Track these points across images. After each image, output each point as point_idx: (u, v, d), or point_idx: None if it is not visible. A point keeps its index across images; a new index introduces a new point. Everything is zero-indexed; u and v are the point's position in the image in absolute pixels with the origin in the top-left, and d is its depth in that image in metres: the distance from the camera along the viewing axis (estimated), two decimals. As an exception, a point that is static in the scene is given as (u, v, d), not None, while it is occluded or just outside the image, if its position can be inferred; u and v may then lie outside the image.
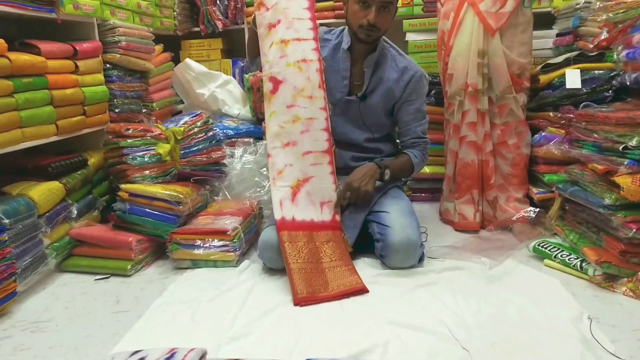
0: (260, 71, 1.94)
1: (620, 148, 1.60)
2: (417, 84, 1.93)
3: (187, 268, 1.87)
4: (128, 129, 2.09)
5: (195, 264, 1.86)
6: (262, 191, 2.33)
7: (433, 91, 2.53)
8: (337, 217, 1.82)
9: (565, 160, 1.99)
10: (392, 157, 2.00)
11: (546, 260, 1.78)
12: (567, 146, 1.92)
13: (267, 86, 1.85)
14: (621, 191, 1.54)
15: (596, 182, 1.70)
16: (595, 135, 1.75)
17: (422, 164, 2.01)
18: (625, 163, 1.57)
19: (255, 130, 2.78)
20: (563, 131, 2.06)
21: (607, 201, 1.59)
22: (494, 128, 2.17)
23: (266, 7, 1.87)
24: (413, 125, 1.98)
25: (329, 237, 1.77)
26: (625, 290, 1.54)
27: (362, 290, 1.59)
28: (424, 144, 2.02)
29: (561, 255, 1.74)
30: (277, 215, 1.77)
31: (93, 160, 2.15)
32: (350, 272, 1.67)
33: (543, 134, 2.16)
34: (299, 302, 1.54)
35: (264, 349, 1.30)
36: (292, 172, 1.82)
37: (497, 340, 1.29)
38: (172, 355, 1.15)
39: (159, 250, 1.98)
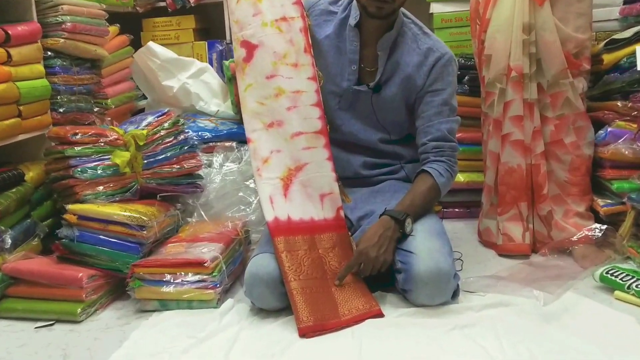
0: None
1: None
2: (443, 70, 1.94)
3: (153, 310, 1.87)
4: (76, 134, 2.10)
5: (164, 304, 1.86)
6: (248, 209, 2.34)
7: (466, 77, 2.55)
8: (342, 213, 1.84)
9: (639, 162, 2.00)
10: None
11: (617, 292, 1.78)
12: (640, 144, 1.94)
13: (239, 53, 1.88)
14: None
15: (679, 188, 1.71)
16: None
17: (449, 181, 1.94)
18: None
19: (239, 131, 2.78)
20: (635, 125, 2.06)
21: (693, 214, 1.60)
22: (546, 123, 2.19)
23: None
24: (437, 122, 1.92)
25: (334, 241, 1.81)
26: None
27: (378, 315, 1.66)
28: (451, 150, 1.94)
29: (637, 286, 1.74)
30: (269, 216, 1.80)
31: (32, 174, 2.17)
32: (361, 292, 1.73)
33: (609, 129, 2.17)
34: (305, 332, 1.57)
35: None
36: (280, 160, 1.85)
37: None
38: None
39: (117, 289, 1.99)
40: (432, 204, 1.99)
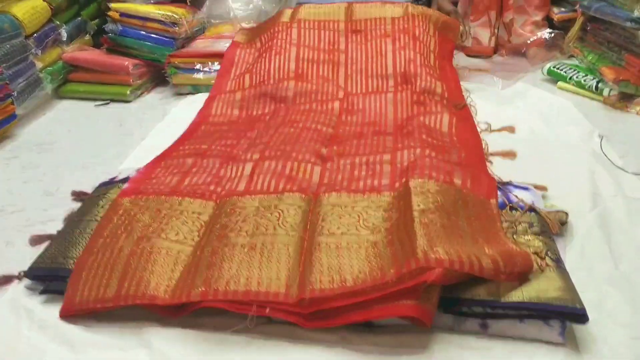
0: None
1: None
2: None
3: (188, 94, 1.80)
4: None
5: (196, 88, 1.79)
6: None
7: None
8: None
9: (595, -26, 1.81)
10: None
11: (560, 83, 1.71)
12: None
13: None
14: (654, 2, 1.42)
15: (626, -5, 1.56)
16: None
17: None
18: (664, -31, 1.42)
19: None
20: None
21: (636, 14, 1.48)
22: (518, -63, 1.94)
23: None
24: None
25: None
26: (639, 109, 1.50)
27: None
28: None
29: (576, 77, 1.67)
30: None
31: (77, -23, 1.97)
32: None
33: (573, -58, 1.93)
34: None
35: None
36: None
37: (505, 155, 1.28)
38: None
39: (158, 76, 1.90)
40: None
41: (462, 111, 1.42)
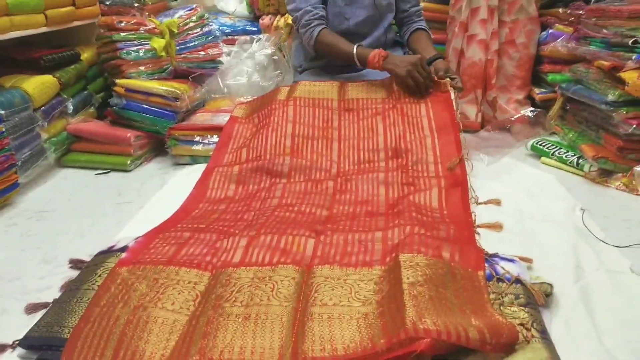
0: None
1: (630, 42, 1.56)
2: None
3: (186, 164, 1.87)
4: (121, 22, 2.01)
5: (195, 159, 1.86)
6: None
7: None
8: None
9: (571, 59, 1.94)
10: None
11: (543, 158, 1.79)
12: (574, 43, 1.87)
13: None
14: (626, 86, 1.52)
15: (601, 79, 1.68)
16: (605, 31, 1.70)
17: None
18: (634, 57, 1.54)
19: (252, 27, 2.67)
20: (571, 28, 1.98)
21: (610, 97, 1.58)
22: (502, 26, 2.09)
23: None
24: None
25: None
26: (619, 185, 1.57)
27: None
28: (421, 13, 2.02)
29: (558, 153, 1.75)
30: None
31: (86, 55, 2.09)
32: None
33: (550, 31, 2.08)
34: None
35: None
36: None
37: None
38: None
39: (158, 147, 1.97)
40: None
41: (454, 175, 1.46)
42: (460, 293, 0.92)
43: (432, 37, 2.01)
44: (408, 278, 0.91)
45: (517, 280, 1.00)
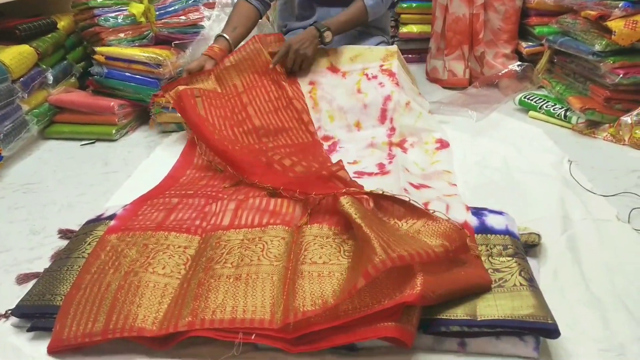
0: None
1: (617, -10, 1.54)
2: None
3: (172, 131, 1.84)
4: (97, -13, 1.94)
5: (180, 127, 1.83)
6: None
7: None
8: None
9: (558, 10, 1.92)
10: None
11: (531, 112, 1.79)
12: (561, -6, 1.84)
13: None
14: (613, 36, 1.51)
15: (588, 30, 1.66)
16: (592, -20, 1.68)
17: (379, 6, 1.75)
18: (620, 5, 1.52)
19: (234, -10, 2.60)
20: (558, -21, 1.95)
21: (597, 47, 1.57)
22: (487, -22, 2.06)
23: None
24: None
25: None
26: (606, 135, 1.57)
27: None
28: None
29: (546, 106, 1.75)
30: None
31: (63, 23, 2.02)
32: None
33: (537, -18, 2.05)
34: None
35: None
36: None
37: (480, 183, 1.33)
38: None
39: (143, 115, 1.94)
40: (358, 23, 1.78)
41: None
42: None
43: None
44: (356, 214, 0.94)
45: (505, 231, 1.01)
